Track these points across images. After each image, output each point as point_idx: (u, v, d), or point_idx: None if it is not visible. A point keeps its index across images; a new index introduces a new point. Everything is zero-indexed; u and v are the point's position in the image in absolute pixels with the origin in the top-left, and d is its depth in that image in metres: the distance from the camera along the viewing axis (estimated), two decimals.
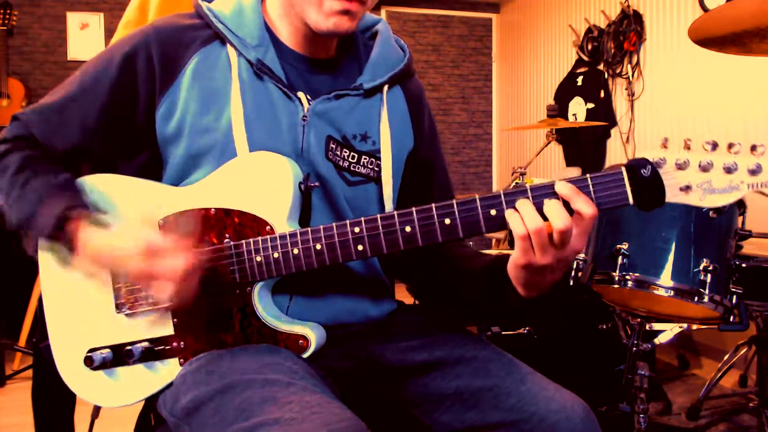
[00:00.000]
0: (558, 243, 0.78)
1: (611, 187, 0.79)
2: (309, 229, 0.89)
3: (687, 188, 0.79)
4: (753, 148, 0.77)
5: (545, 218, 0.78)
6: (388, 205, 1.04)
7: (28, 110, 1.00)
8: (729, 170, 0.78)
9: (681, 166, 0.79)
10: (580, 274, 1.63)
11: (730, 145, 0.78)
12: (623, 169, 0.79)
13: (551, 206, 0.78)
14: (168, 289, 0.84)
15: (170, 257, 0.84)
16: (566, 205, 0.79)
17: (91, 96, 0.97)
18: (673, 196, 0.80)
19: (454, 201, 0.83)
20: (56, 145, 0.98)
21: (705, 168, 0.78)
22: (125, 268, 0.86)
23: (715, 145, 0.79)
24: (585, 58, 4.08)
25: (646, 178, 0.78)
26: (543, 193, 0.80)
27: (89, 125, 0.97)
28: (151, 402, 0.98)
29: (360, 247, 0.87)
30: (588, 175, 0.80)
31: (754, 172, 0.77)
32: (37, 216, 0.91)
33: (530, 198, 0.80)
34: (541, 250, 0.79)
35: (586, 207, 0.78)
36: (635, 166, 0.79)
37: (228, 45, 0.98)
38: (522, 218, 0.79)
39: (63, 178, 0.95)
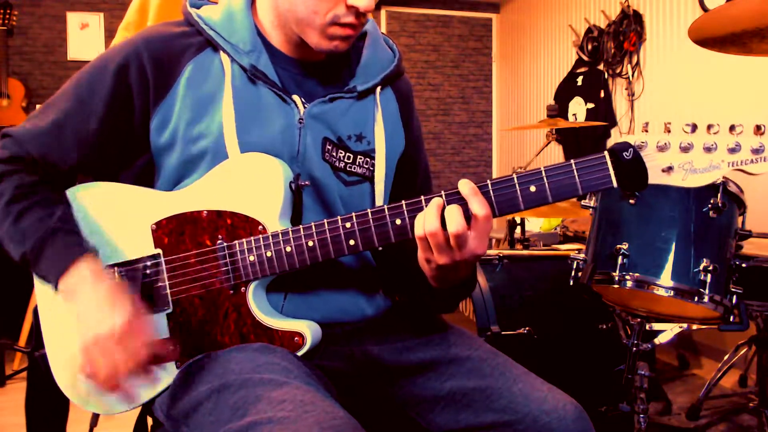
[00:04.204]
0: (454, 245, 0.82)
1: (595, 171, 0.82)
2: (301, 226, 0.90)
3: (669, 169, 0.81)
4: (732, 128, 0.80)
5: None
6: (380, 204, 1.04)
7: (22, 128, 0.98)
8: (709, 150, 0.80)
9: (662, 148, 0.81)
10: (580, 274, 1.63)
11: (710, 126, 0.80)
12: (606, 153, 0.82)
13: (450, 210, 0.82)
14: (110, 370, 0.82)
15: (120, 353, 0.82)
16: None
17: (86, 111, 0.95)
18: (655, 177, 0.82)
19: (443, 191, 0.85)
20: (54, 162, 0.96)
21: (686, 149, 0.81)
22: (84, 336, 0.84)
23: (694, 127, 0.81)
24: (585, 58, 4.08)
25: (628, 160, 0.81)
26: (456, 197, 0.84)
27: (86, 141, 0.96)
28: (148, 406, 0.97)
29: (352, 242, 0.88)
30: (572, 161, 0.83)
31: (733, 151, 0.79)
32: (37, 263, 0.90)
33: (443, 197, 0.84)
34: (438, 250, 0.83)
35: (479, 208, 0.81)
36: (617, 150, 0.81)
37: (221, 51, 0.97)
38: (424, 218, 0.83)
39: (57, 214, 0.93)
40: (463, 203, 0.83)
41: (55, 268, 0.89)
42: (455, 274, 0.87)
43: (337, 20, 0.92)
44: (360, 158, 1.03)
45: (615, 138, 3.88)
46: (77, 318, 0.86)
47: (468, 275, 0.90)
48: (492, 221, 0.83)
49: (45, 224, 0.91)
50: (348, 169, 1.02)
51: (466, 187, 0.83)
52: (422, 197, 0.86)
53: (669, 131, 0.82)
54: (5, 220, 0.92)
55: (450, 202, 0.83)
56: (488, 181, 0.84)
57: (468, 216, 0.82)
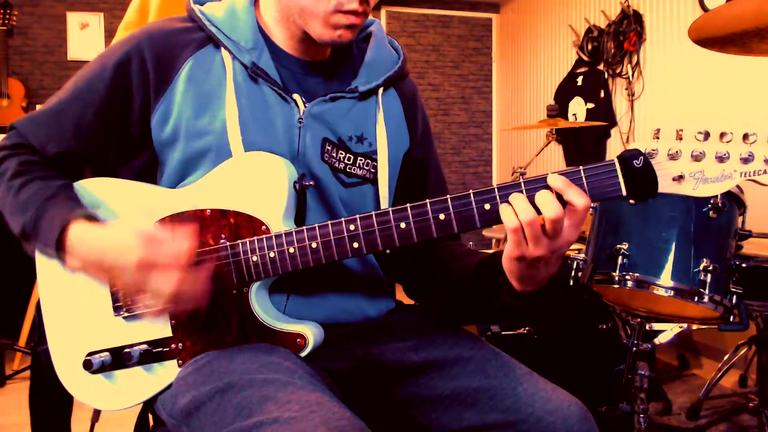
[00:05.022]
0: (550, 233, 0.78)
1: (604, 178, 0.79)
2: (304, 227, 0.89)
3: (680, 178, 0.79)
4: (745, 136, 0.77)
5: (538, 210, 0.79)
6: (384, 206, 1.04)
7: (24, 118, 1.00)
8: (721, 159, 0.78)
9: (673, 156, 0.79)
10: (580, 274, 1.63)
11: (722, 135, 0.78)
12: (616, 160, 0.79)
13: (542, 196, 0.78)
14: (170, 282, 0.80)
15: (172, 245, 0.81)
16: (560, 197, 0.79)
17: (86, 102, 0.97)
18: (665, 186, 0.80)
19: (449, 197, 0.83)
20: (51, 150, 0.98)
21: (697, 158, 0.78)
22: (122, 262, 0.81)
23: (707, 135, 0.79)
24: (585, 58, 4.08)
25: (638, 168, 0.79)
26: (536, 186, 0.80)
27: (83, 131, 0.97)
28: (149, 404, 0.97)
29: (355, 245, 0.87)
30: (581, 167, 0.80)
31: (746, 161, 0.77)
32: (37, 231, 0.90)
33: (524, 192, 0.81)
34: (533, 241, 0.79)
35: (578, 198, 0.78)
36: (627, 157, 0.79)
37: (222, 48, 0.98)
38: (515, 211, 0.79)
39: (57, 184, 0.94)
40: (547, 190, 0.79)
41: (56, 224, 0.88)
42: (546, 269, 0.83)
43: (341, 8, 0.92)
44: (360, 160, 1.02)
45: (615, 138, 3.89)
46: (102, 258, 0.83)
47: (554, 272, 0.85)
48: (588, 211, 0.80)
49: (46, 191, 0.92)
50: (348, 170, 1.01)
51: (558, 180, 0.79)
52: (427, 201, 0.84)
53: (681, 138, 0.79)
54: (8, 194, 0.93)
55: (530, 191, 0.80)
56: (494, 186, 0.83)
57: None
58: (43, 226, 0.89)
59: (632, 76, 3.68)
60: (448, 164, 5.31)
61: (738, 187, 1.56)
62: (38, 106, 1.02)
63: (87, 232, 0.87)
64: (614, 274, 1.53)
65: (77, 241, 0.87)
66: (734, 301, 1.53)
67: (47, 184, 0.94)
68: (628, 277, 1.52)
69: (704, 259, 1.47)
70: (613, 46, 3.79)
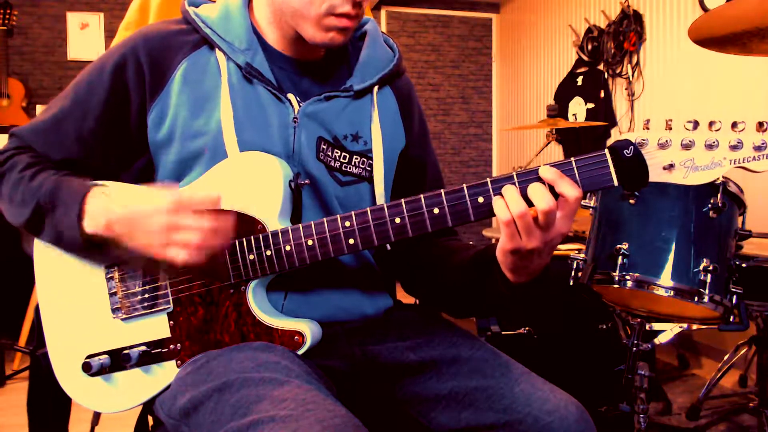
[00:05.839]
0: (543, 225, 0.79)
1: (595, 169, 0.80)
2: (300, 225, 0.90)
3: (670, 167, 0.80)
4: (734, 124, 0.78)
5: (530, 202, 0.79)
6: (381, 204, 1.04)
7: (24, 127, 1.01)
8: (711, 147, 0.79)
9: (663, 146, 0.80)
10: (580, 274, 1.63)
11: (711, 123, 0.79)
12: (606, 150, 0.80)
13: (535, 189, 0.79)
14: (192, 241, 0.83)
15: (198, 212, 0.83)
16: (552, 189, 0.80)
17: (85, 108, 0.97)
18: (656, 175, 0.81)
19: (443, 191, 0.84)
20: (55, 157, 0.99)
21: (687, 146, 0.79)
22: (154, 205, 0.84)
23: (696, 124, 0.80)
24: (585, 58, 4.08)
25: (629, 158, 0.79)
26: (528, 178, 0.81)
27: (85, 137, 0.98)
28: (149, 405, 0.98)
29: (351, 241, 0.88)
30: (572, 159, 0.81)
31: (735, 148, 0.78)
32: (57, 207, 0.91)
33: (516, 184, 0.81)
34: (526, 233, 0.80)
35: (570, 189, 0.79)
36: (618, 147, 0.80)
37: (216, 49, 0.98)
38: (506, 204, 0.80)
39: (66, 173, 0.97)
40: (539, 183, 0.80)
41: (76, 194, 0.90)
42: (539, 260, 0.84)
43: (333, 10, 0.92)
44: (356, 158, 1.03)
45: (615, 138, 3.88)
46: (131, 208, 0.86)
47: (547, 263, 0.86)
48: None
49: (57, 175, 0.94)
50: (343, 169, 1.02)
51: (550, 172, 0.80)
52: (421, 195, 0.85)
53: (670, 128, 0.80)
54: (20, 183, 0.94)
55: (523, 184, 0.81)
56: (488, 180, 0.83)
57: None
58: (63, 195, 0.91)
59: (632, 76, 3.68)
60: (447, 164, 5.31)
61: (738, 186, 1.55)
62: (38, 107, 1.03)
63: (108, 194, 0.90)
64: (614, 274, 1.52)
65: (101, 203, 0.89)
66: (734, 301, 1.53)
67: (59, 172, 0.96)
68: (628, 277, 1.52)
69: (704, 259, 1.46)
70: (613, 46, 3.79)
